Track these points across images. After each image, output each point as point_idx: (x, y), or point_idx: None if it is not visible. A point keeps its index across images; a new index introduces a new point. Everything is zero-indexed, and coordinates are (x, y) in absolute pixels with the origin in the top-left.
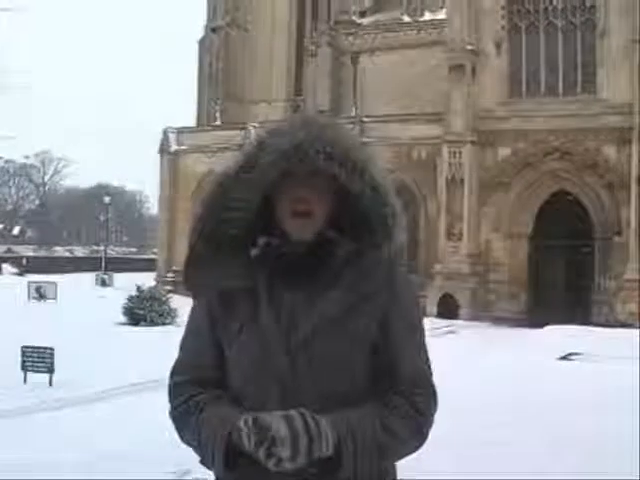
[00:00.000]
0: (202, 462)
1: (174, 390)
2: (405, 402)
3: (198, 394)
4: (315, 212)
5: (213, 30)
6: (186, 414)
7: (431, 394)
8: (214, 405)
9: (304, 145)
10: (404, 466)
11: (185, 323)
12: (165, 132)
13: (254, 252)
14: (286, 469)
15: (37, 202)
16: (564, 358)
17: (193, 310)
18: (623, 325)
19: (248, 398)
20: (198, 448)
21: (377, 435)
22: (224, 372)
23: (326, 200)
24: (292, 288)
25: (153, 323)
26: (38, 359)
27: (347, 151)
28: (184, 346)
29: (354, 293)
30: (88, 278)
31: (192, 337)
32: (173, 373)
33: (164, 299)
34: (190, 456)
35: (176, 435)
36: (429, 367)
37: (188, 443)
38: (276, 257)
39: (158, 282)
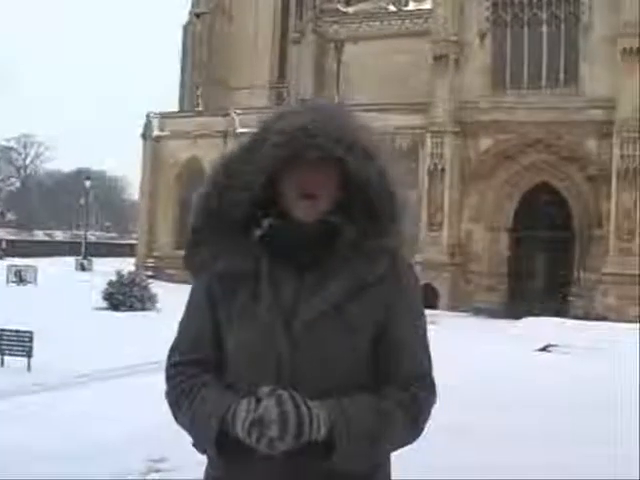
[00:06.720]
0: (195, 445)
1: (171, 370)
2: (404, 393)
3: (195, 375)
4: (321, 196)
5: (197, 15)
6: (182, 395)
7: (430, 387)
8: (210, 387)
9: (312, 129)
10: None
11: (164, 309)
12: (148, 117)
13: (258, 233)
14: (277, 450)
15: (17, 185)
16: (542, 350)
17: (192, 291)
18: (601, 318)
19: (244, 380)
20: (192, 430)
21: (372, 422)
22: (222, 354)
23: (333, 184)
24: (294, 271)
25: (133, 308)
26: (16, 343)
27: (356, 136)
28: (183, 326)
29: (357, 280)
30: (68, 262)
31: (191, 318)
32: (171, 353)
33: (144, 284)
34: (167, 443)
35: (153, 421)
36: (429, 359)
37: (182, 424)
38: (279, 239)
39: (138, 267)
